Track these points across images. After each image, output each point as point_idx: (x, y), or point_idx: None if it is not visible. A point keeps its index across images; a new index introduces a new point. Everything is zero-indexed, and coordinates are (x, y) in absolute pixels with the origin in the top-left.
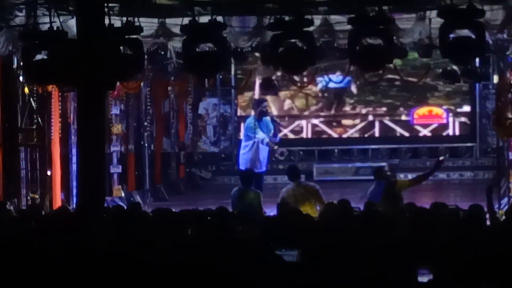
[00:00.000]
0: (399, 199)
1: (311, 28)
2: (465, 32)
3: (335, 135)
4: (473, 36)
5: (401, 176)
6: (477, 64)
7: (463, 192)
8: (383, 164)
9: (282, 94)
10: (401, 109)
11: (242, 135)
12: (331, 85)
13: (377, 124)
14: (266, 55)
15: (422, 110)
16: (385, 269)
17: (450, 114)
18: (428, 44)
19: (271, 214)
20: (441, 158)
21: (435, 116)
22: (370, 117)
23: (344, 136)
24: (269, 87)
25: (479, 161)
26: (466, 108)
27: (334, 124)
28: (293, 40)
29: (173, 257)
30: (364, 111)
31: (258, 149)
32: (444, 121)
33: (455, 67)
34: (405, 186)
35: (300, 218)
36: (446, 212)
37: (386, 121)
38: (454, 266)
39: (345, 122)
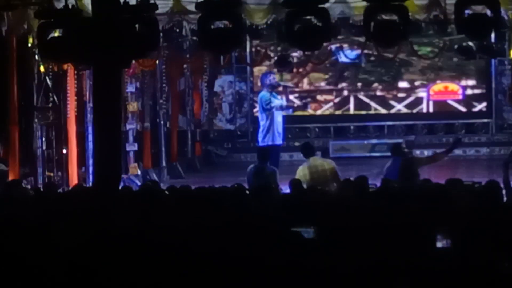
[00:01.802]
0: (415, 176)
1: (326, 5)
2: (480, 8)
3: (310, 111)
4: (489, 12)
5: (417, 152)
6: (493, 40)
7: (479, 168)
8: (400, 140)
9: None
10: (376, 84)
11: (257, 110)
12: (343, 59)
13: (352, 100)
14: (281, 32)
15: (438, 86)
16: (402, 243)
17: (425, 89)
18: (444, 20)
19: (287, 191)
20: (459, 136)
21: (451, 92)
22: (345, 93)
23: (319, 112)
24: (284, 64)
25: (495, 137)
26: (440, 84)
27: (309, 100)
28: (308, 17)
29: (190, 235)
30: (339, 86)
31: (274, 122)
32: (460, 97)
33: (470, 43)
34: (422, 163)
35: (316, 195)
36: (462, 189)
37: (361, 96)
38: (470, 240)
39: (320, 97)
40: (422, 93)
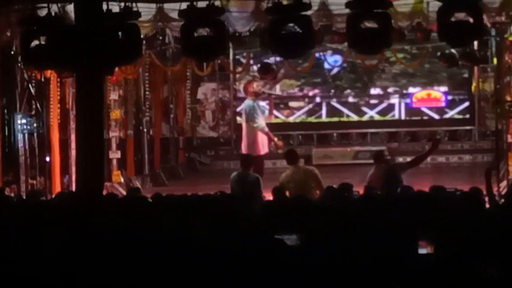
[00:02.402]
0: (399, 183)
1: (309, 12)
2: (463, 15)
3: (282, 117)
4: (471, 19)
5: (400, 159)
6: (475, 47)
7: (462, 175)
8: (383, 147)
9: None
10: (349, 90)
11: (242, 118)
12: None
13: (324, 106)
14: (264, 39)
15: (421, 94)
16: (385, 250)
17: (397, 95)
18: (426, 28)
19: (271, 198)
20: (437, 137)
21: (433, 99)
22: (318, 99)
23: (291, 118)
24: (267, 71)
25: (478, 144)
26: (412, 90)
27: (282, 106)
28: (291, 25)
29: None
30: (311, 93)
31: (258, 132)
32: (443, 104)
33: (453, 51)
34: (404, 168)
35: (299, 202)
36: (445, 196)
37: (334, 103)
38: (453, 247)
39: (292, 104)
40: (394, 100)
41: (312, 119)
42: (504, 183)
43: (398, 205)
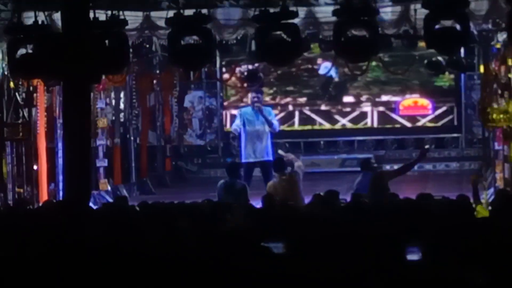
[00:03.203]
0: (385, 190)
1: (296, 20)
2: (449, 22)
3: None
4: (458, 27)
5: (387, 167)
6: (462, 54)
7: (450, 183)
8: (369, 155)
9: None
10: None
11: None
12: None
13: (297, 114)
14: (251, 47)
15: (408, 101)
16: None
17: (369, 103)
18: (413, 35)
19: (258, 206)
20: (426, 146)
21: (420, 107)
22: (290, 107)
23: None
24: (254, 79)
25: (465, 152)
26: (385, 98)
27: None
28: (278, 32)
29: (160, 250)
30: (283, 101)
31: (247, 139)
32: (430, 112)
33: (440, 58)
34: (391, 176)
35: (286, 210)
36: (432, 203)
37: (306, 111)
38: (440, 255)
39: None
40: (366, 108)
41: (284, 127)
42: (491, 191)
43: (385, 213)
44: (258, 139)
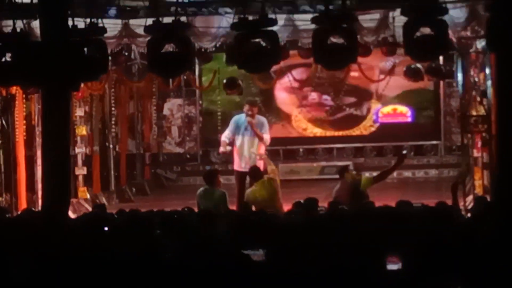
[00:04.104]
0: (364, 197)
1: (275, 28)
2: (428, 30)
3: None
4: (437, 34)
5: (367, 174)
6: (441, 62)
7: (429, 190)
8: (348, 163)
9: None
10: None
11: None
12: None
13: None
14: (230, 55)
15: (387, 109)
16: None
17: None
18: (392, 43)
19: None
20: (403, 152)
21: (399, 114)
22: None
23: None
24: (233, 86)
25: (444, 159)
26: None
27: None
28: (257, 40)
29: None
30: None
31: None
32: (409, 119)
33: (419, 65)
34: (370, 183)
35: (265, 217)
36: (411, 210)
37: None
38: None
39: None
40: None
41: None
42: (470, 198)
43: (364, 220)
44: (250, 147)
